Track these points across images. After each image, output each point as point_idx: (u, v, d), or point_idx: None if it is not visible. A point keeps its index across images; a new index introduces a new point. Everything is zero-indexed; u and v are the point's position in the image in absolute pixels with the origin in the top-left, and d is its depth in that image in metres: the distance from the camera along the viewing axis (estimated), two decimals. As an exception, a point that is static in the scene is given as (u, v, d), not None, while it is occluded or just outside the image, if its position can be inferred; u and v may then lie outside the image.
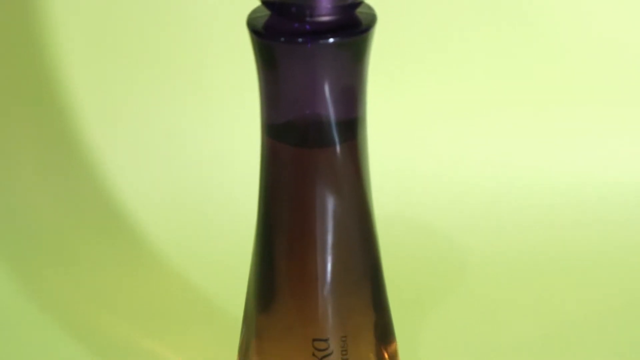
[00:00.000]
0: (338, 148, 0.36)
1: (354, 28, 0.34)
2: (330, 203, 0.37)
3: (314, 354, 0.38)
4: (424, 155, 0.59)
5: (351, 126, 0.37)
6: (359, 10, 0.35)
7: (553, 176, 0.59)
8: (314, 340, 0.38)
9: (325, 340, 0.38)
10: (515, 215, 0.57)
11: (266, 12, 0.35)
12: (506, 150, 0.60)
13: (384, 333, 0.40)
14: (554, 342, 0.48)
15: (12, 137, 0.59)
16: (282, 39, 0.34)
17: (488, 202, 0.58)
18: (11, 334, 0.50)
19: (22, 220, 0.57)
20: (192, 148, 0.59)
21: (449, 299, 0.51)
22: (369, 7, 0.36)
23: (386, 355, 0.40)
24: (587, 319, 0.50)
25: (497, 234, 0.56)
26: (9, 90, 0.59)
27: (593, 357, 0.48)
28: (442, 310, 0.50)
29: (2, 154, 0.58)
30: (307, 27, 0.34)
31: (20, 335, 0.50)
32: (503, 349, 0.48)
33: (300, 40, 0.34)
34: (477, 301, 0.51)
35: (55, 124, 0.58)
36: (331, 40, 0.34)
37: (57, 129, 0.58)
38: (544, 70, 0.60)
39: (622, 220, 0.57)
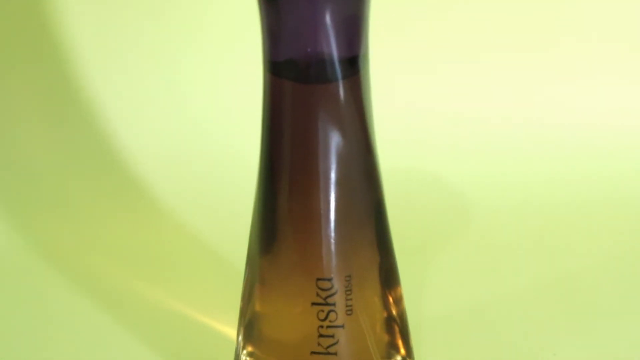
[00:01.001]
0: (340, 84, 0.36)
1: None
2: (333, 139, 0.36)
3: (317, 294, 0.37)
4: (429, 100, 0.58)
5: (354, 62, 0.36)
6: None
7: (557, 124, 0.59)
8: (318, 279, 0.37)
9: (329, 279, 0.37)
10: (520, 165, 0.57)
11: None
12: (511, 100, 0.59)
13: (388, 276, 0.40)
14: (557, 287, 0.48)
15: (12, 86, 0.59)
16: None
17: (492, 152, 0.57)
18: (12, 282, 0.50)
19: (22, 169, 0.57)
20: (193, 95, 0.59)
21: (452, 246, 0.50)
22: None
23: (391, 299, 0.40)
24: (590, 266, 0.50)
25: (501, 183, 0.56)
26: (10, 39, 0.58)
27: (596, 302, 0.47)
28: (446, 257, 0.49)
29: (2, 103, 0.58)
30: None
31: (21, 284, 0.50)
32: (506, 295, 0.48)
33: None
34: (481, 248, 0.50)
35: (56, 73, 0.58)
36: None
37: (57, 78, 0.58)
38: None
39: (630, 168, 0.57)
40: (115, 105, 0.58)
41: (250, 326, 0.40)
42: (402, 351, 0.41)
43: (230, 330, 0.44)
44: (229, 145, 0.57)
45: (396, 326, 0.40)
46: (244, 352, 0.40)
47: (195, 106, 0.59)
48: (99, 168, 0.57)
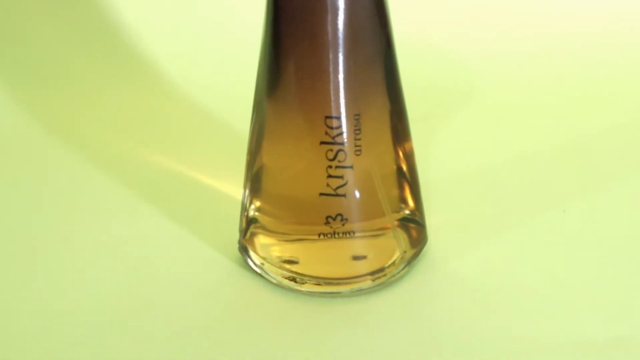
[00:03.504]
0: None
1: None
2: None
3: (326, 133, 0.37)
4: None
5: None
6: None
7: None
8: (326, 117, 0.37)
9: (338, 117, 0.37)
10: (525, 40, 0.57)
11: None
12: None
13: (398, 128, 0.39)
14: (565, 150, 0.48)
15: None
16: None
17: (498, 28, 0.57)
18: (17, 153, 0.50)
19: (27, 42, 0.57)
20: None
21: (459, 114, 0.50)
22: None
23: (401, 153, 0.39)
24: (598, 131, 0.50)
25: (506, 57, 0.56)
26: None
27: (605, 162, 0.47)
28: (454, 123, 0.49)
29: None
30: None
31: (26, 153, 0.50)
32: (515, 157, 0.47)
33: None
34: (489, 114, 0.50)
35: None
36: None
37: None
38: None
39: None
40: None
41: (257, 179, 0.39)
42: (411, 205, 0.40)
43: (234, 189, 0.43)
44: (231, 6, 0.57)
45: (405, 181, 0.40)
46: (252, 206, 0.40)
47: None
48: (101, 40, 0.57)
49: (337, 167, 0.37)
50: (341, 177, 0.37)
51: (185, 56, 0.56)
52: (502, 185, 0.46)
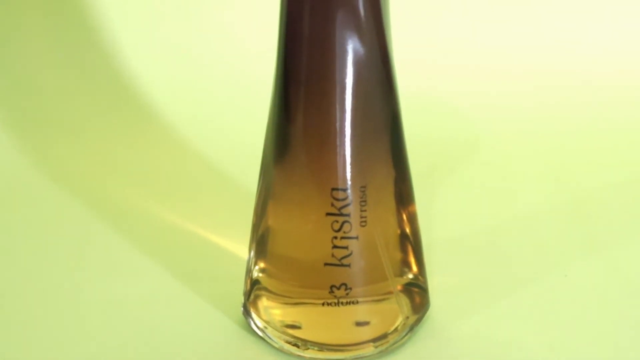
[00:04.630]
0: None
1: None
2: (350, 47, 0.36)
3: (332, 204, 0.37)
4: (446, 26, 0.58)
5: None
6: None
7: (567, 54, 0.59)
8: (333, 189, 0.37)
9: (344, 189, 0.37)
10: (529, 95, 0.57)
11: None
12: (524, 30, 0.59)
13: (403, 193, 0.39)
14: (567, 210, 0.48)
15: (20, 3, 0.58)
16: None
17: (503, 82, 0.57)
18: (22, 202, 0.50)
19: (33, 90, 0.56)
20: (205, 14, 0.58)
21: (462, 169, 0.50)
22: None
23: (405, 217, 0.40)
24: (601, 189, 0.50)
25: (511, 111, 0.56)
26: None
27: (607, 225, 0.47)
28: (456, 180, 0.49)
29: (10, 21, 0.57)
30: None
31: (32, 204, 0.50)
32: (517, 217, 0.47)
33: None
34: (491, 171, 0.50)
35: None
36: None
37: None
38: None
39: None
40: (127, 24, 0.58)
41: (262, 241, 0.40)
42: (415, 269, 0.40)
43: (240, 247, 0.43)
44: (241, 62, 0.57)
45: (409, 244, 0.40)
46: (256, 268, 0.40)
47: (207, 22, 0.58)
48: (110, 91, 0.57)
49: (342, 237, 0.37)
50: (346, 247, 0.38)
51: (195, 111, 0.56)
52: (503, 246, 0.46)
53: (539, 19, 0.59)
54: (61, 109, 0.56)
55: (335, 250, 0.37)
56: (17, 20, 0.58)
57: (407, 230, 0.40)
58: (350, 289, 0.38)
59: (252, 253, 0.40)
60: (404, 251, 0.40)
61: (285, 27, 0.37)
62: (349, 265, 0.38)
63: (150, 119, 0.55)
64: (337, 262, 0.38)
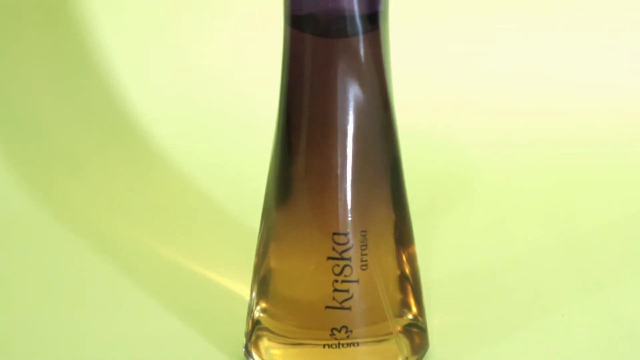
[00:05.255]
0: (360, 38, 0.36)
1: None
2: (352, 94, 0.37)
3: (333, 248, 0.38)
4: (443, 62, 0.59)
5: (374, 18, 0.37)
6: None
7: (565, 87, 0.60)
8: (334, 234, 0.38)
9: (345, 234, 0.38)
10: (526, 130, 0.58)
11: None
12: (518, 68, 0.60)
13: (403, 235, 0.40)
14: (565, 249, 0.49)
15: (23, 40, 0.58)
16: None
17: (500, 118, 0.58)
18: (24, 240, 0.50)
19: (34, 127, 0.57)
20: (208, 49, 0.59)
21: (460, 207, 0.51)
22: None
23: (405, 258, 0.40)
24: (598, 228, 0.50)
25: (510, 148, 0.56)
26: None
27: (605, 264, 0.48)
28: (454, 219, 0.50)
29: (13, 59, 0.58)
30: None
31: (33, 242, 0.50)
32: (515, 256, 0.48)
33: None
34: (489, 210, 0.51)
35: (67, 29, 0.58)
36: None
37: (68, 33, 0.58)
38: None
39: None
40: (127, 61, 0.58)
41: (264, 282, 0.40)
42: (414, 310, 0.41)
43: (242, 287, 0.44)
44: (243, 102, 0.57)
45: (409, 285, 0.41)
46: (258, 308, 0.40)
47: (210, 61, 0.59)
48: (112, 128, 0.57)
49: (343, 281, 0.38)
50: (347, 290, 0.38)
51: (199, 150, 0.56)
52: (502, 285, 0.47)
53: (540, 57, 0.60)
54: (62, 146, 0.57)
55: (336, 294, 0.38)
56: (18, 56, 0.58)
57: (407, 271, 0.40)
58: (351, 331, 0.38)
59: (254, 294, 0.41)
60: (404, 292, 0.41)
61: (288, 71, 0.38)
62: (349, 308, 0.38)
63: (153, 158, 0.56)
64: (338, 305, 0.38)
